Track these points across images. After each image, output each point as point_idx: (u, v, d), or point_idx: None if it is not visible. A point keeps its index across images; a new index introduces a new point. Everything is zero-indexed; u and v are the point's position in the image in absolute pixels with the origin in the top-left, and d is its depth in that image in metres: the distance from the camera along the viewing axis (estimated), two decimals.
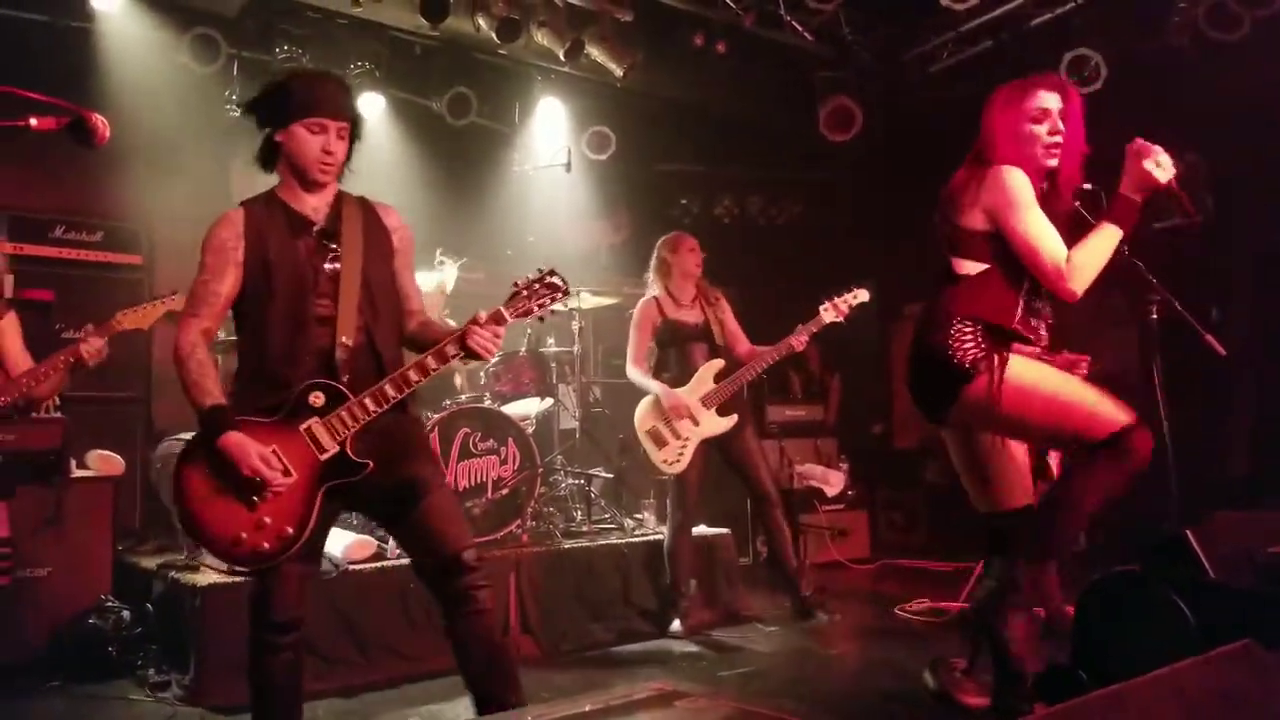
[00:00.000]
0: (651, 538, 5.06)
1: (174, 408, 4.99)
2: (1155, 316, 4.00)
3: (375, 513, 2.78)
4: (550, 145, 6.39)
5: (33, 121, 1.75)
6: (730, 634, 4.62)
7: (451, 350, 2.45)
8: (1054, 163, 2.72)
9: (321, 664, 3.89)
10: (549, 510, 5.04)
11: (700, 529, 5.30)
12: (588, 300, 5.55)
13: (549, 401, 5.35)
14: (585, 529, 5.13)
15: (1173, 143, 5.81)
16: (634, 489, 5.63)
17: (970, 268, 2.72)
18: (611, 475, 5.52)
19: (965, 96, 6.09)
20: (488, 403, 4.87)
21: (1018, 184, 2.65)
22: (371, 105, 6.09)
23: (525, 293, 2.51)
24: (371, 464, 2.46)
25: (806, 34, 5.89)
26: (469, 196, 6.48)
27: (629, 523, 5.24)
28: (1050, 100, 2.73)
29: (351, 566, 4.08)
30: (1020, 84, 2.80)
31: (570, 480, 5.36)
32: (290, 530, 2.41)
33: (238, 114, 5.56)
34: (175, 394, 5.14)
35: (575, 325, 5.52)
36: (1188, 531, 2.11)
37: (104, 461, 4.48)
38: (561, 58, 5.59)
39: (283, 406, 2.44)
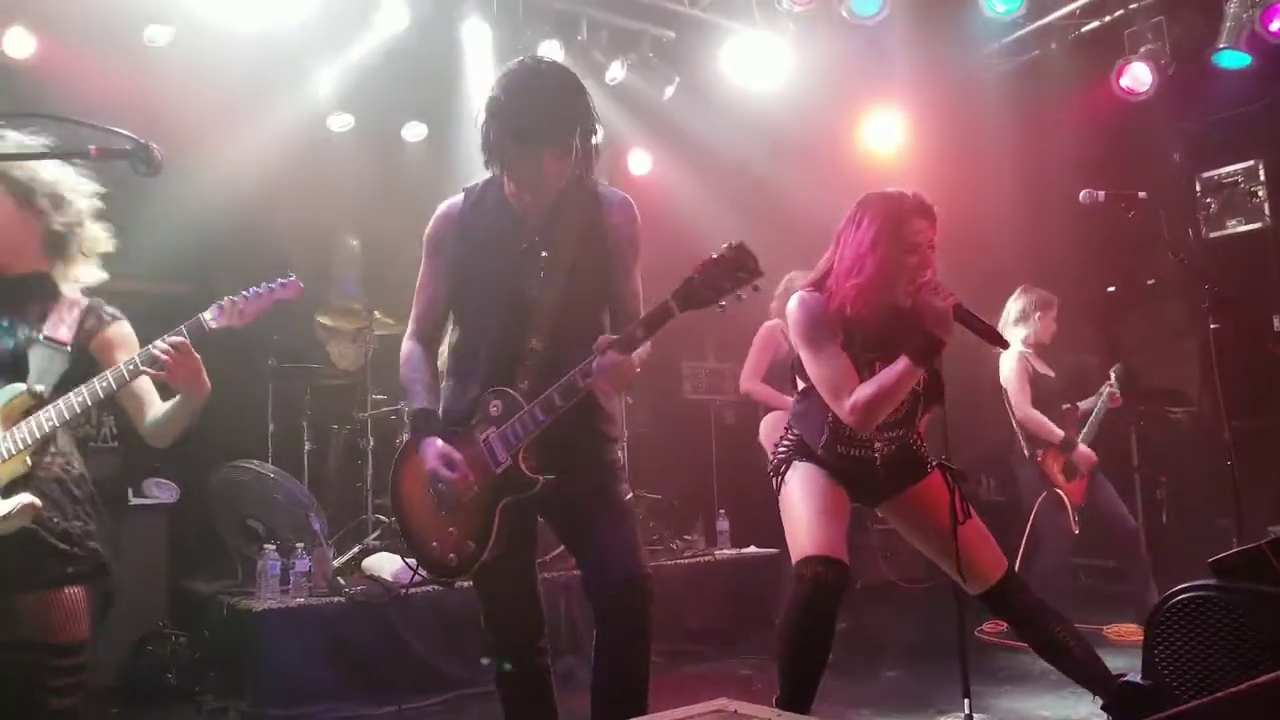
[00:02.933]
0: (701, 559, 5.02)
1: (229, 434, 5.07)
2: (1214, 326, 3.91)
3: (552, 525, 2.55)
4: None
5: (92, 150, 1.80)
6: None
7: (580, 382, 2.21)
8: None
9: (376, 686, 3.91)
10: None
11: (751, 548, 5.26)
12: None
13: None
14: None
15: (1227, 150, 5.70)
16: (682, 511, 5.59)
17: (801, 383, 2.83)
18: (659, 497, 5.49)
19: (1019, 102, 6.06)
20: None
21: (802, 317, 2.69)
22: (415, 131, 6.16)
23: (697, 278, 2.14)
24: (541, 480, 2.28)
25: None
26: None
27: (678, 544, 5.20)
28: (922, 229, 2.61)
29: (404, 590, 4.09)
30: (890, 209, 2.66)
31: None
32: (472, 545, 2.30)
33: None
34: (228, 419, 5.24)
35: None
36: (1264, 545, 2.02)
37: (160, 489, 4.56)
38: (606, 80, 5.63)
39: (470, 414, 2.34)
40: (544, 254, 2.34)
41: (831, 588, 2.58)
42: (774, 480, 2.84)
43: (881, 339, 2.62)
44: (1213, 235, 5.69)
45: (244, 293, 2.25)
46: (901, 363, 2.52)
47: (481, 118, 2.32)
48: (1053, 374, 4.83)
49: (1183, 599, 2.05)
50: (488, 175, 2.45)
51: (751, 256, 2.13)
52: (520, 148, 2.27)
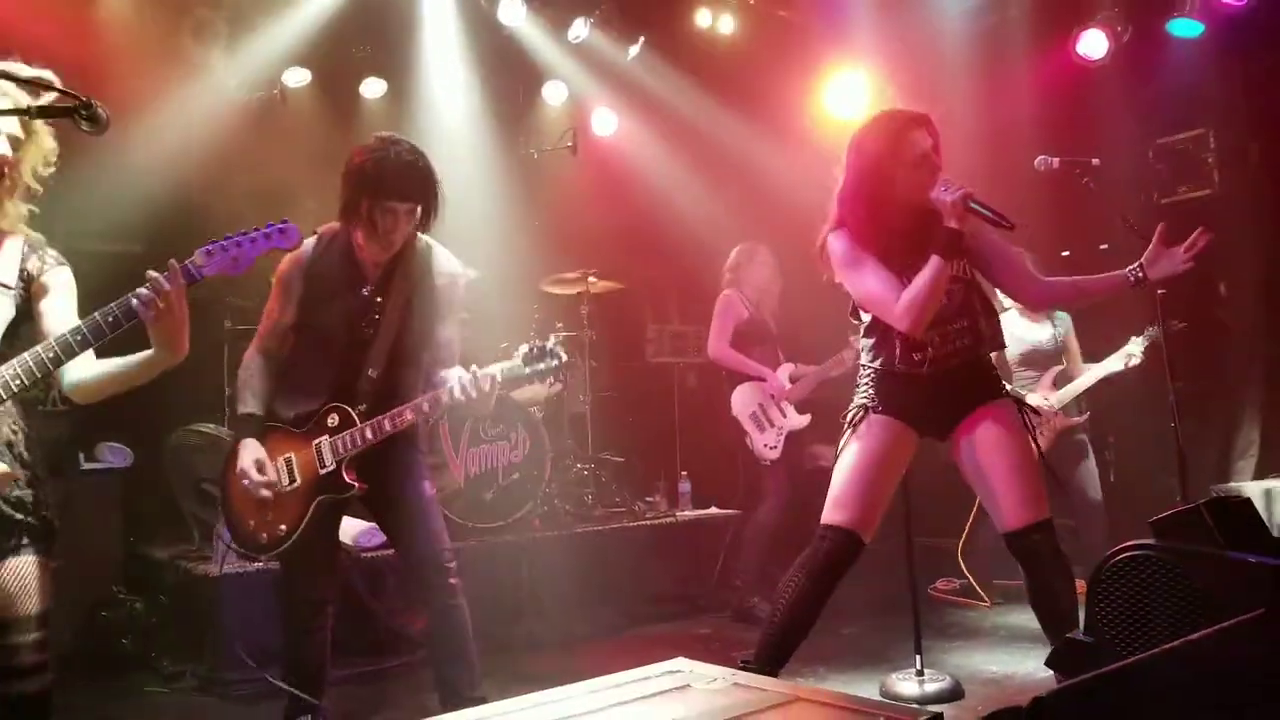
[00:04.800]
0: (663, 521, 5.07)
1: (184, 398, 4.99)
2: (1161, 291, 4.00)
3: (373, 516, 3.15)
4: (556, 127, 6.35)
5: (32, 106, 1.72)
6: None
7: (426, 407, 2.71)
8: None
9: (334, 649, 3.91)
10: (560, 495, 5.04)
11: (712, 509, 5.33)
12: (596, 285, 5.54)
13: (557, 386, 5.34)
14: (596, 513, 5.13)
15: (1179, 117, 5.78)
16: (645, 473, 5.63)
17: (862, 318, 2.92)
18: (621, 459, 5.52)
19: (979, 67, 6.07)
20: None
21: (838, 249, 2.79)
22: (374, 88, 6.05)
23: (521, 361, 2.66)
24: (360, 486, 2.75)
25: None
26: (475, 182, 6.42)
27: (640, 506, 5.25)
28: (921, 138, 2.74)
29: (364, 554, 4.09)
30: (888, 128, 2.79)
31: (580, 465, 5.36)
32: (283, 529, 2.74)
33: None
34: (185, 384, 5.16)
35: (583, 309, 5.50)
36: (1202, 505, 2.09)
37: (112, 453, 4.48)
38: (569, 38, 5.57)
39: (309, 420, 2.77)
40: (379, 300, 2.82)
41: (848, 561, 2.73)
42: (846, 431, 2.84)
43: (916, 247, 2.70)
44: (1164, 201, 5.79)
45: (235, 237, 2.08)
46: (932, 260, 2.63)
47: (345, 183, 2.75)
48: (1045, 335, 4.88)
49: (1123, 558, 2.11)
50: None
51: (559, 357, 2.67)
52: (381, 205, 2.71)
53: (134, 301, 1.93)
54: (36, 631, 1.94)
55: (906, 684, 3.28)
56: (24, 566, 1.94)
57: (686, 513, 5.30)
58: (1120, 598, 2.10)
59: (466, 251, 5.28)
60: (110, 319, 1.94)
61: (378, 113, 6.09)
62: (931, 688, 3.24)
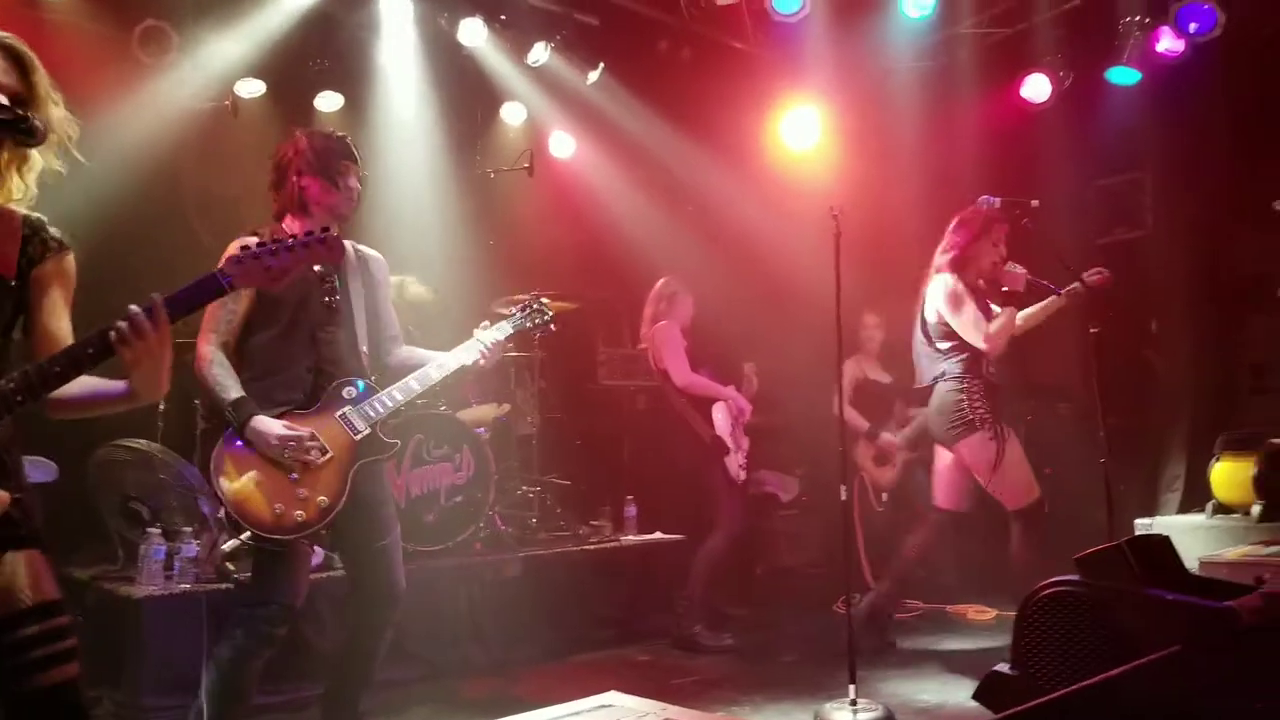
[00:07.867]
0: (607, 545, 5.06)
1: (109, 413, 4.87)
2: (1093, 330, 4.14)
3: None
4: (513, 148, 6.35)
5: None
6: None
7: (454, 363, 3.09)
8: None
9: (263, 675, 3.82)
10: (504, 518, 5.00)
11: (657, 534, 5.34)
12: (548, 306, 5.52)
13: (505, 407, 5.31)
14: (540, 537, 5.09)
15: (1118, 161, 5.98)
16: (591, 496, 5.62)
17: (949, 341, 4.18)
18: (567, 482, 5.50)
19: (928, 106, 6.23)
20: (443, 408, 4.79)
21: (954, 288, 4.17)
22: (330, 101, 6.00)
23: (520, 316, 3.27)
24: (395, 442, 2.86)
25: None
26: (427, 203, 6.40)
27: (584, 530, 5.23)
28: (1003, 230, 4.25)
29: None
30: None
31: (525, 488, 5.32)
32: (325, 500, 2.70)
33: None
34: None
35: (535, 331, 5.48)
36: (1123, 543, 2.16)
37: (35, 468, 4.33)
38: (528, 61, 5.60)
39: (316, 398, 2.81)
40: (332, 281, 2.94)
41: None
42: (992, 441, 4.03)
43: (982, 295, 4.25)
44: (1100, 241, 5.99)
45: (269, 244, 1.83)
46: (1011, 310, 4.14)
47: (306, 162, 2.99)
48: (889, 378, 5.61)
49: (1048, 594, 2.16)
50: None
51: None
52: (349, 168, 3.07)
53: (111, 335, 1.72)
54: (58, 616, 1.79)
55: (840, 713, 3.30)
56: (30, 557, 1.78)
57: (631, 537, 5.29)
58: (1045, 632, 2.15)
59: (419, 270, 5.31)
60: (90, 351, 1.73)
61: (333, 126, 6.04)
62: (864, 717, 3.27)
